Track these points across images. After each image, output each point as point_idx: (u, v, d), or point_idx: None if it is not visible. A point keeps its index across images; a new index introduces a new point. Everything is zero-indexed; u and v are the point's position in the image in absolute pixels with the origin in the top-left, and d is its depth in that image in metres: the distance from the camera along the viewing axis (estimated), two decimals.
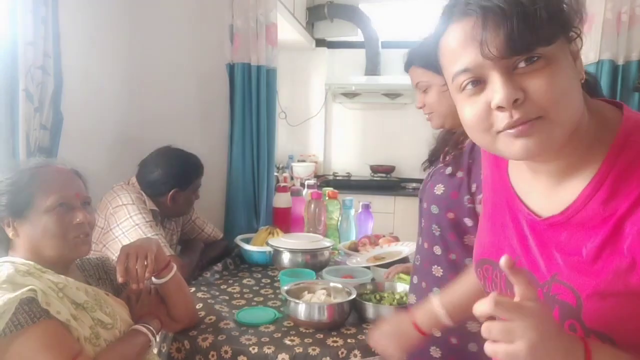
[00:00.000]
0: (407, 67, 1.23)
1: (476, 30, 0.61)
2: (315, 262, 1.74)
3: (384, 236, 2.08)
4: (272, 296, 1.62)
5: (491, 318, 0.59)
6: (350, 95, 4.24)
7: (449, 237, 1.15)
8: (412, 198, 3.45)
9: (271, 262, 1.87)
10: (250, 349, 1.23)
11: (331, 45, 4.23)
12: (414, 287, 1.27)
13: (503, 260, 0.60)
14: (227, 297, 1.60)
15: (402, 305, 1.36)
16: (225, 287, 1.70)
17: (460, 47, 0.64)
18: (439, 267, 1.18)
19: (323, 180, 3.89)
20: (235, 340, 1.27)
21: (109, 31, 1.93)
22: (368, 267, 1.74)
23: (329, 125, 4.39)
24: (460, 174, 1.14)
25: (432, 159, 1.28)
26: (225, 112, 2.36)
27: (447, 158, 1.18)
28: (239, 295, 1.62)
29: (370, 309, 1.40)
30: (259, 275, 1.85)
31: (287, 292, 1.41)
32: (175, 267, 1.27)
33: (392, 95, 4.14)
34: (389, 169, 4.18)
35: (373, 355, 1.26)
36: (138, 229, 1.61)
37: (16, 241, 1.06)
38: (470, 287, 0.98)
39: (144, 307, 1.23)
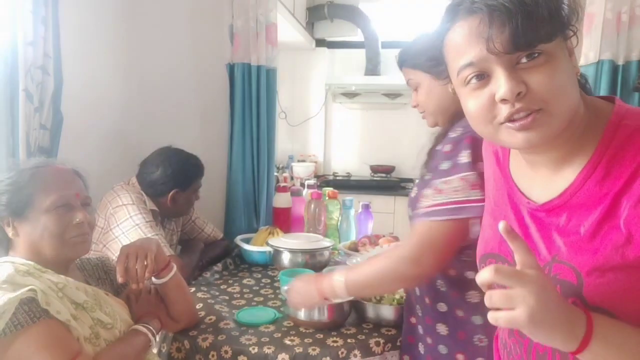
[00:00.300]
0: (400, 67, 1.26)
1: (482, 27, 0.65)
2: (315, 262, 1.74)
3: (383, 236, 2.07)
4: (272, 296, 1.62)
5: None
6: (350, 95, 4.24)
7: None
8: None
9: (271, 262, 1.87)
10: (250, 349, 1.23)
11: (331, 45, 4.23)
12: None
13: (501, 226, 0.63)
14: (227, 297, 1.59)
15: (402, 305, 1.36)
16: (225, 287, 1.70)
17: (466, 43, 0.68)
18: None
19: (323, 180, 3.89)
20: (235, 340, 1.27)
21: (109, 31, 1.93)
22: None
23: (328, 125, 4.39)
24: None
25: (428, 160, 1.28)
26: (225, 112, 2.36)
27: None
28: (239, 295, 1.62)
29: (370, 309, 1.39)
30: (259, 275, 1.85)
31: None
32: (175, 267, 1.27)
33: (392, 95, 4.15)
34: (389, 169, 4.18)
35: (373, 355, 1.26)
36: (138, 229, 1.61)
37: (16, 241, 1.06)
38: (374, 268, 1.12)
39: (143, 307, 1.22)
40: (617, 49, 2.17)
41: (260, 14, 2.30)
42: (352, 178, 4.17)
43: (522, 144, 0.67)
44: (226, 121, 2.36)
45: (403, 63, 1.23)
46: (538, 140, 0.66)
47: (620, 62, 2.19)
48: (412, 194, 1.20)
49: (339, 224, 2.28)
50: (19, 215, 1.04)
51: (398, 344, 1.30)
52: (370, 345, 1.27)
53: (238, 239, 2.07)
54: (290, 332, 1.32)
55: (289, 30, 3.26)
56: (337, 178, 4.19)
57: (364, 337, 1.30)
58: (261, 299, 1.59)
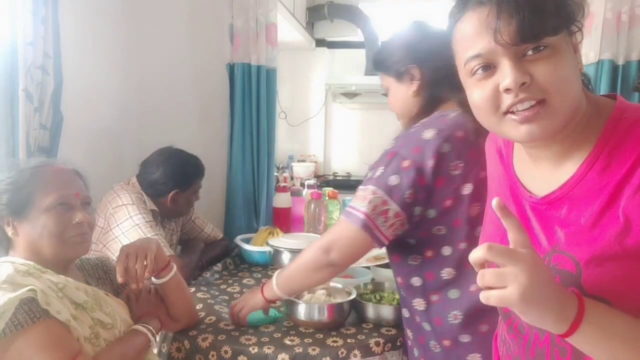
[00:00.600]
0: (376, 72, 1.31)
1: (491, 18, 0.66)
2: None
3: None
4: None
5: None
6: (350, 95, 4.24)
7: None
8: None
9: (271, 262, 1.87)
10: (250, 349, 1.23)
11: (331, 45, 4.22)
12: None
13: (494, 202, 0.63)
14: (227, 297, 1.59)
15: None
16: (225, 287, 1.70)
17: (475, 34, 0.69)
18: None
19: (323, 180, 3.88)
20: (235, 340, 1.27)
21: (109, 31, 1.92)
22: (368, 267, 1.74)
23: (329, 125, 4.39)
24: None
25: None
26: (225, 112, 2.36)
27: None
28: (239, 295, 1.62)
29: (370, 309, 1.40)
30: (259, 275, 1.85)
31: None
32: (175, 267, 1.27)
33: None
34: None
35: (373, 355, 1.26)
36: (138, 229, 1.61)
37: (16, 240, 1.06)
38: (297, 261, 1.22)
39: (143, 307, 1.22)
40: (617, 49, 2.18)
41: (260, 14, 2.30)
42: (352, 178, 4.17)
43: (524, 136, 0.68)
44: (226, 121, 2.36)
45: (374, 68, 1.28)
46: (540, 134, 0.67)
47: (620, 62, 2.19)
48: None
49: None
50: (19, 214, 1.04)
51: (398, 344, 1.31)
52: (370, 345, 1.27)
53: (238, 239, 2.07)
54: (290, 332, 1.32)
55: (289, 30, 3.26)
56: (337, 178, 4.19)
57: (363, 337, 1.30)
58: None
